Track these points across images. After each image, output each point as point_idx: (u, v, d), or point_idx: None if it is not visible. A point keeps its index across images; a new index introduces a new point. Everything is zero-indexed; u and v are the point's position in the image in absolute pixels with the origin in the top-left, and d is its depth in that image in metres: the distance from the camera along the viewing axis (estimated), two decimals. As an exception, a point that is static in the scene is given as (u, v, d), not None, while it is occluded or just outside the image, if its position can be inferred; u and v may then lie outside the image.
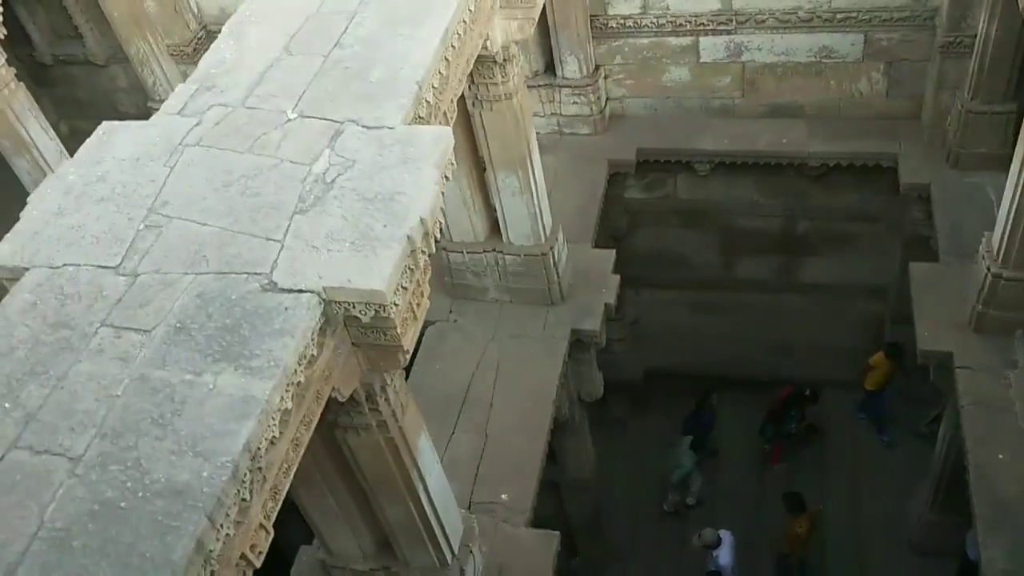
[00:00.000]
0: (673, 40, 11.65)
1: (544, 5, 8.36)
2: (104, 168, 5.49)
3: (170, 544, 3.70)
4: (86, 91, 14.71)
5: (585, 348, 10.29)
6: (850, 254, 12.98)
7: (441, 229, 5.25)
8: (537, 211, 9.45)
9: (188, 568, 3.66)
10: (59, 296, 4.76)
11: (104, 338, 4.51)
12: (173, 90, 12.24)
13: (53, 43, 14.36)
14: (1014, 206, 8.16)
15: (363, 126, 5.54)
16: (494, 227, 9.86)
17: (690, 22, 11.35)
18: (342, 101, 5.75)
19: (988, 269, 8.69)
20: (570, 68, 11.93)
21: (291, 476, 4.59)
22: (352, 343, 5.07)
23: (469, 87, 8.26)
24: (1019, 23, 9.11)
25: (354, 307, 4.70)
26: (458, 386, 9.64)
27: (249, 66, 6.14)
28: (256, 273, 4.70)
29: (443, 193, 5.23)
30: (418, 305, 5.14)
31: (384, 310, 4.70)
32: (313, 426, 4.85)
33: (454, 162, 5.53)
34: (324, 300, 4.63)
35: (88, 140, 5.76)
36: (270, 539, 4.35)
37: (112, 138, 5.74)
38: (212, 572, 3.83)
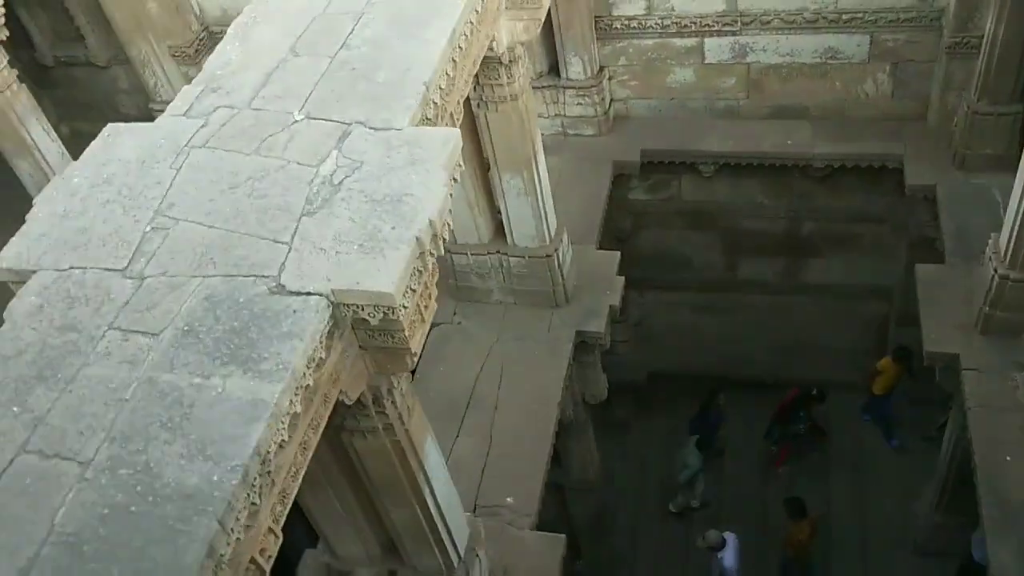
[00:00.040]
0: (678, 41, 11.63)
1: (548, 6, 8.34)
2: (110, 170, 5.46)
3: (181, 548, 3.67)
4: (87, 93, 14.68)
5: (589, 350, 10.27)
6: (855, 255, 12.97)
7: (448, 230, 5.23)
8: (542, 212, 9.42)
9: (200, 573, 3.63)
10: (66, 299, 4.73)
11: (112, 341, 4.48)
12: (175, 91, 12.35)
13: (54, 44, 14.33)
14: (1021, 207, 8.14)
15: (370, 127, 5.51)
16: (498, 229, 9.84)
17: (695, 23, 11.33)
18: (349, 102, 5.72)
19: (995, 271, 8.67)
20: (574, 69, 11.91)
21: (299, 479, 4.56)
22: (359, 346, 5.04)
23: (474, 88, 8.23)
24: (1026, 24, 9.12)
25: (362, 309, 4.67)
26: (462, 388, 9.62)
27: (255, 67, 6.11)
28: (264, 275, 4.67)
29: (451, 195, 5.20)
30: (426, 307, 5.11)
31: (393, 312, 4.67)
32: (321, 429, 4.82)
33: (462, 163, 5.51)
34: (332, 302, 4.60)
35: (93, 142, 5.73)
36: (279, 543, 4.32)
37: (117, 140, 5.71)
38: (222, 577, 3.81)
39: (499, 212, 9.62)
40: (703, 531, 11.84)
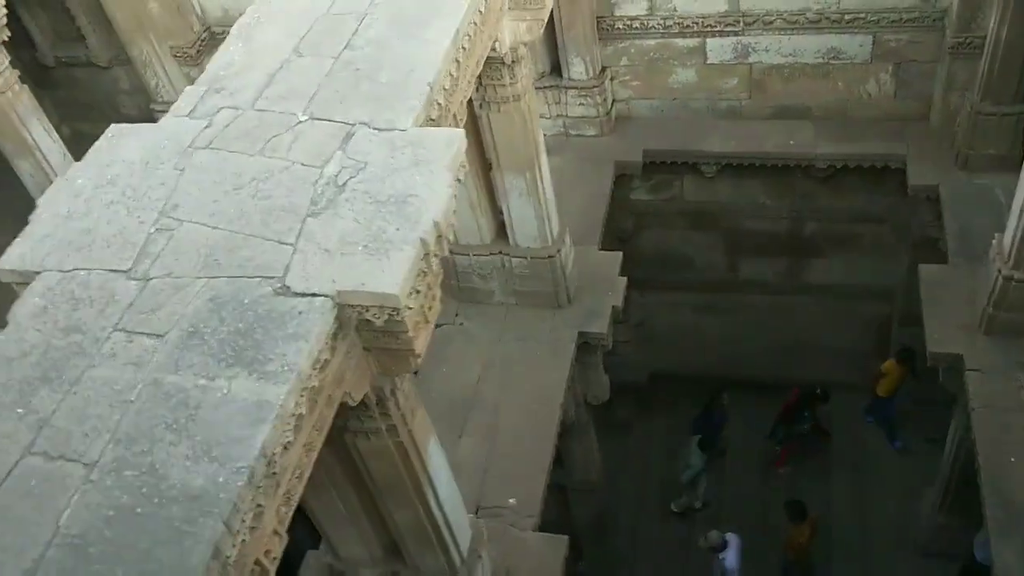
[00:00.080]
0: (680, 41, 11.62)
1: (551, 7, 8.34)
2: (113, 171, 5.45)
3: (187, 550, 3.66)
4: (88, 93, 14.67)
5: (592, 350, 10.26)
6: (857, 256, 12.96)
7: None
8: (544, 213, 9.42)
9: (205, 574, 3.62)
10: (70, 300, 4.72)
11: (117, 343, 4.47)
12: (176, 92, 12.36)
13: (55, 45, 14.33)
14: (1025, 208, 8.14)
15: (374, 128, 5.49)
16: (500, 229, 9.83)
17: (697, 23, 11.33)
18: (353, 103, 5.70)
19: (999, 271, 8.67)
20: (576, 70, 11.91)
21: (304, 481, 4.55)
22: (364, 347, 5.03)
23: (477, 89, 8.22)
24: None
25: (367, 311, 4.66)
26: (464, 389, 9.62)
27: (258, 68, 6.09)
28: (269, 277, 4.65)
29: (455, 196, 5.20)
30: (430, 308, 5.09)
31: (398, 314, 4.66)
32: (325, 430, 4.81)
33: (466, 164, 5.50)
34: (337, 304, 4.59)
35: (97, 143, 5.71)
36: (284, 544, 4.31)
37: (121, 141, 5.69)
38: (227, 578, 3.80)
39: (501, 213, 9.61)
40: (705, 532, 11.83)
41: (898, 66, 11.17)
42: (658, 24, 11.50)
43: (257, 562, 4.09)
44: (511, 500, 8.73)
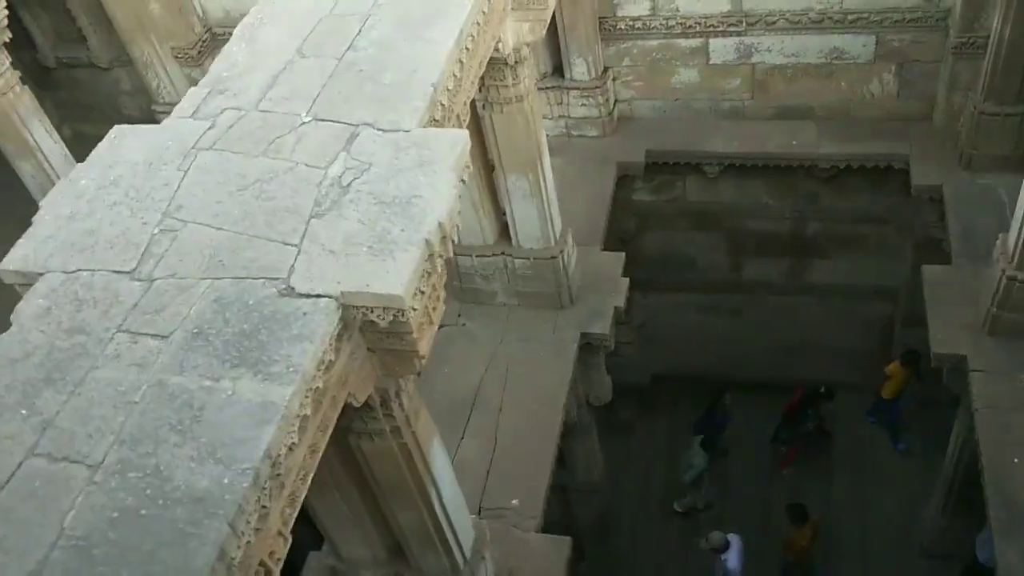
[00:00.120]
0: (683, 42, 11.61)
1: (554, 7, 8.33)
2: (117, 172, 5.44)
3: (192, 552, 3.65)
4: (89, 94, 14.66)
5: (594, 351, 10.25)
6: (860, 256, 12.94)
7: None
8: (547, 214, 9.41)
9: (210, 576, 3.61)
10: (74, 301, 4.71)
11: (121, 344, 4.46)
12: (177, 93, 12.34)
13: (56, 46, 14.32)
14: (1029, 208, 8.13)
15: (378, 129, 5.49)
16: (503, 230, 9.83)
17: (700, 23, 11.31)
18: (357, 104, 5.70)
19: (1003, 272, 8.65)
20: (578, 70, 11.90)
21: (308, 482, 4.55)
22: (368, 348, 5.02)
23: (479, 90, 8.21)
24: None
25: (372, 312, 4.65)
26: (467, 390, 9.61)
27: (262, 69, 6.08)
28: (273, 278, 4.65)
29: (460, 196, 5.19)
30: (434, 309, 5.09)
31: (402, 315, 4.66)
32: (329, 431, 4.80)
33: (470, 165, 5.49)
34: (342, 305, 4.58)
35: (100, 144, 5.71)
36: (288, 546, 4.30)
37: (124, 141, 5.69)
38: (232, 580, 3.79)
39: (504, 213, 9.60)
40: (706, 533, 11.81)
41: (901, 66, 11.15)
42: (660, 24, 11.49)
43: (262, 564, 4.08)
44: (514, 501, 8.72)
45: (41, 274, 4.91)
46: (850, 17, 10.78)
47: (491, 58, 7.56)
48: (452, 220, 5.02)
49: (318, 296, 4.55)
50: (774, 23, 11.05)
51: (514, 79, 8.21)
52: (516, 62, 8.07)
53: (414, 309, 4.70)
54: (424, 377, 9.49)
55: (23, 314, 4.72)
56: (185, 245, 4.90)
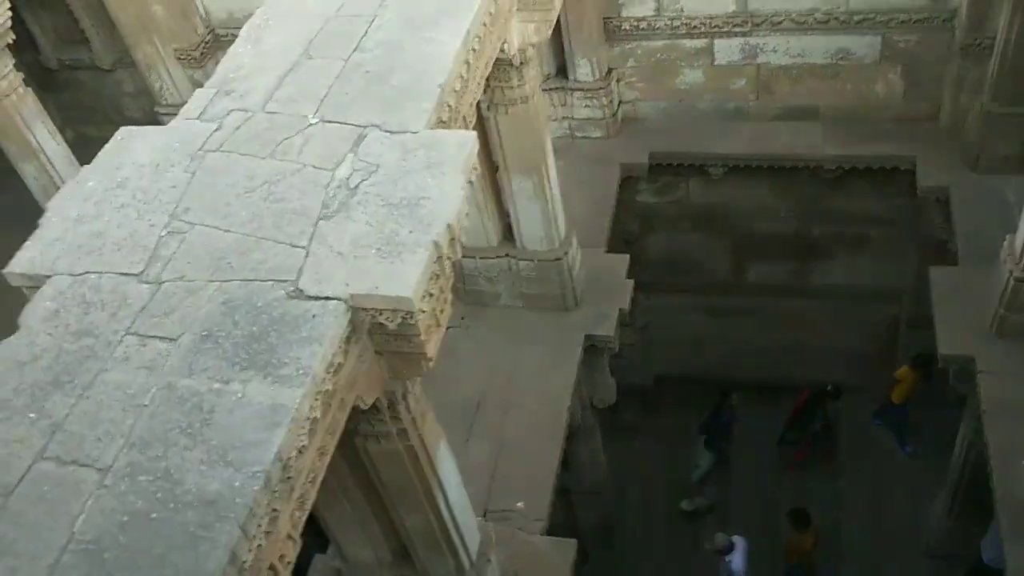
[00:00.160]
0: (687, 42, 11.59)
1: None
2: (124, 174, 5.42)
3: (203, 555, 3.63)
4: (92, 96, 14.65)
5: (599, 353, 10.23)
6: (866, 258, 12.91)
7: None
8: (551, 215, 9.39)
9: (221, 580, 3.59)
10: (82, 304, 4.69)
11: (129, 347, 4.43)
12: (180, 95, 12.32)
13: (59, 48, 14.30)
14: (1035, 209, 8.11)
15: (386, 130, 5.47)
16: (507, 232, 9.81)
17: (705, 24, 11.29)
18: (364, 105, 5.68)
19: (1010, 273, 8.62)
20: (582, 71, 11.87)
21: (317, 485, 4.53)
22: (375, 351, 5.00)
23: (485, 91, 8.18)
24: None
25: (381, 314, 4.63)
26: (471, 393, 9.59)
27: (268, 70, 6.07)
28: (282, 280, 4.63)
29: (467, 198, 5.17)
30: (442, 311, 5.08)
31: (411, 317, 4.64)
32: (338, 434, 4.78)
33: (478, 166, 5.47)
34: (351, 307, 4.56)
35: (106, 145, 5.69)
36: (298, 549, 4.29)
37: (131, 143, 5.67)
38: (243, 583, 3.77)
39: (508, 215, 9.58)
40: (711, 534, 11.79)
41: (907, 67, 11.12)
42: (665, 25, 11.45)
43: (271, 567, 4.06)
44: (519, 504, 8.70)
45: (48, 276, 4.89)
46: (856, 18, 10.74)
47: (496, 59, 7.54)
48: (460, 222, 5.00)
49: (327, 298, 4.53)
50: (779, 23, 11.02)
51: (519, 80, 8.19)
52: (522, 63, 8.06)
53: (422, 311, 4.69)
54: (428, 379, 9.48)
55: (31, 317, 4.69)
56: (193, 247, 4.88)
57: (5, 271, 5.03)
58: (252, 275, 4.67)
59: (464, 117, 6.43)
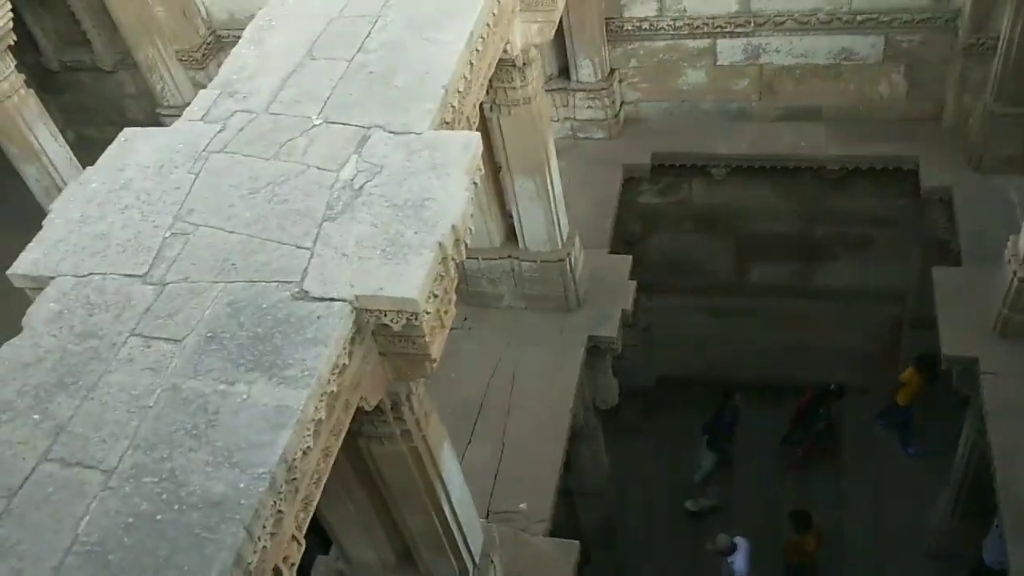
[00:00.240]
0: (690, 43, 11.58)
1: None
2: (127, 175, 5.41)
3: (208, 557, 3.61)
4: (93, 97, 14.65)
5: (601, 355, 10.21)
6: (869, 258, 12.90)
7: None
8: (554, 216, 9.38)
9: (227, 582, 3.58)
10: (85, 305, 4.68)
11: (134, 348, 4.42)
12: (182, 96, 12.31)
13: (60, 49, 14.29)
14: (1040, 209, 8.10)
15: (390, 131, 5.46)
16: (510, 233, 9.80)
17: (707, 24, 11.28)
18: (368, 106, 5.67)
19: (1014, 273, 8.60)
20: (585, 72, 11.86)
21: (322, 486, 4.52)
22: (380, 352, 4.99)
23: (487, 92, 8.18)
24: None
25: (385, 315, 4.62)
26: (474, 394, 9.57)
27: (272, 71, 6.06)
28: (287, 281, 4.62)
29: (472, 199, 5.16)
30: (446, 313, 5.07)
31: (416, 318, 4.63)
32: (342, 435, 4.77)
33: (482, 167, 5.46)
34: (356, 308, 4.55)
35: (110, 146, 5.68)
36: (302, 550, 4.27)
37: (134, 145, 5.66)
38: (248, 585, 3.75)
39: (510, 216, 9.57)
40: (713, 535, 11.78)
41: (911, 67, 11.12)
42: (668, 25, 11.45)
43: (276, 569, 4.05)
44: (522, 505, 8.69)
45: (52, 278, 4.88)
46: (859, 18, 10.74)
47: (499, 60, 7.54)
48: (465, 223, 4.99)
49: (332, 299, 4.52)
50: (782, 23, 11.01)
51: (522, 81, 8.19)
52: (524, 64, 8.06)
53: (427, 313, 4.67)
54: (431, 381, 9.46)
55: (35, 318, 4.68)
56: (197, 248, 4.87)
57: (8, 272, 5.01)
58: (257, 276, 4.66)
59: (467, 118, 6.43)
